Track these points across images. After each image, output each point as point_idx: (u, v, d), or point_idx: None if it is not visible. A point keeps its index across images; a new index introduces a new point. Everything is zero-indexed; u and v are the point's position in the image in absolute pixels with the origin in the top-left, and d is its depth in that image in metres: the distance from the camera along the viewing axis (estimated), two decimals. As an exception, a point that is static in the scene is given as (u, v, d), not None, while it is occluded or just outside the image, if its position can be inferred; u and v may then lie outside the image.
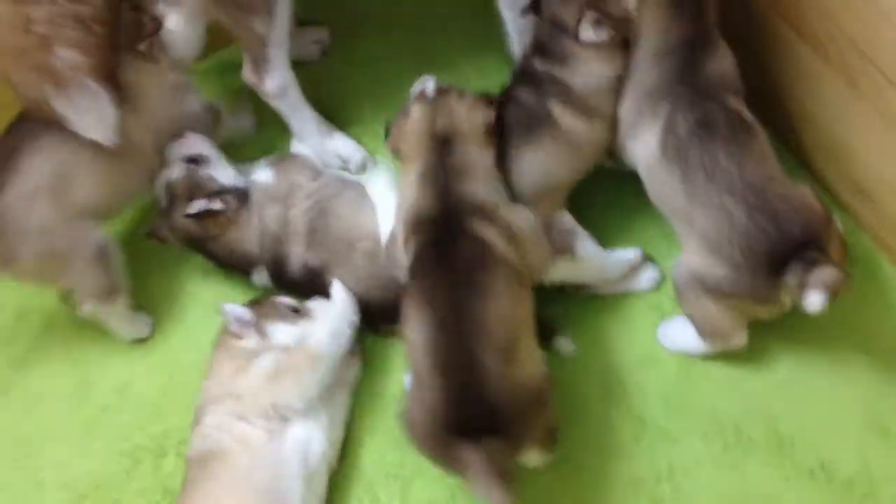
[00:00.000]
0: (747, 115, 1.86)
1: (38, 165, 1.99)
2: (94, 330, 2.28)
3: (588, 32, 1.88)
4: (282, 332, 1.96)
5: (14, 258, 2.01)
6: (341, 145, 2.35)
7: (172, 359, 2.22)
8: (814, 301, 1.63)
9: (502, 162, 1.89)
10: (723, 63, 1.88)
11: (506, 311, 1.69)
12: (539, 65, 1.95)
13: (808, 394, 1.92)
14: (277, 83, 2.24)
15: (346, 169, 2.35)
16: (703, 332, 1.91)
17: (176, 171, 2.11)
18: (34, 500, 2.07)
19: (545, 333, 1.93)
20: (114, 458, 2.10)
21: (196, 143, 2.15)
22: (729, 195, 1.75)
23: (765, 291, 1.75)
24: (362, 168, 2.36)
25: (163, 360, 2.22)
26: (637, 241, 2.14)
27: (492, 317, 1.66)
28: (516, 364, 1.65)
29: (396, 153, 1.94)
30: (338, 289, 2.01)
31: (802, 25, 1.94)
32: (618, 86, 1.94)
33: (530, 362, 1.69)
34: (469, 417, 1.60)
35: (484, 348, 1.63)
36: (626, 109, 1.94)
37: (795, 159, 2.19)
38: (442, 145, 1.85)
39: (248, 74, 2.24)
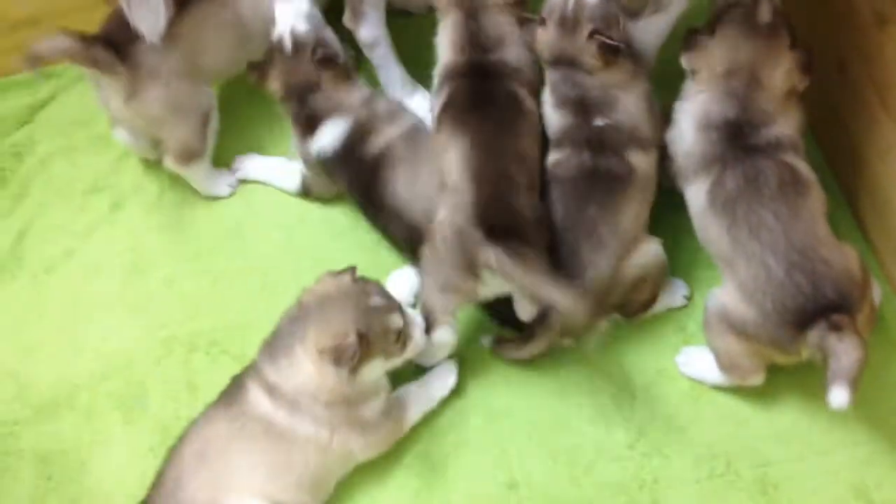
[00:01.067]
0: (803, 169, 1.89)
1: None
2: (158, 217, 2.44)
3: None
4: (372, 371, 1.87)
5: (139, 93, 2.23)
6: (420, 103, 2.42)
7: (221, 265, 2.35)
8: (839, 398, 1.66)
9: (583, 231, 1.98)
10: (782, 129, 1.91)
11: (531, 154, 2.02)
12: (599, 121, 2.02)
13: (804, 446, 1.96)
14: (369, 35, 2.36)
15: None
16: (721, 365, 1.97)
17: (304, 24, 2.21)
18: (69, 363, 2.24)
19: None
20: (149, 343, 2.25)
21: (311, 8, 2.25)
22: (771, 253, 1.80)
23: (786, 342, 1.80)
24: None
25: (212, 264, 2.36)
26: (679, 265, 2.19)
27: (524, 148, 2.00)
28: (531, 194, 1.97)
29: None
30: (451, 369, 2.07)
31: (889, 99, 1.96)
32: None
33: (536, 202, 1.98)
34: (497, 219, 1.87)
35: (517, 169, 1.95)
36: (683, 157, 1.99)
37: (853, 219, 2.21)
38: (469, 15, 2.09)
39: (347, 20, 2.36)
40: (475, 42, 2.09)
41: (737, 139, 1.91)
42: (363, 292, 1.83)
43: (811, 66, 1.92)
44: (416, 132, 2.21)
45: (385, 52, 2.40)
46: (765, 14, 1.94)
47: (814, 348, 1.75)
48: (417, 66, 2.43)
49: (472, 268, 1.89)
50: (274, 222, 2.39)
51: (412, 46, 2.43)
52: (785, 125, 1.92)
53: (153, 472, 1.95)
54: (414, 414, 2.01)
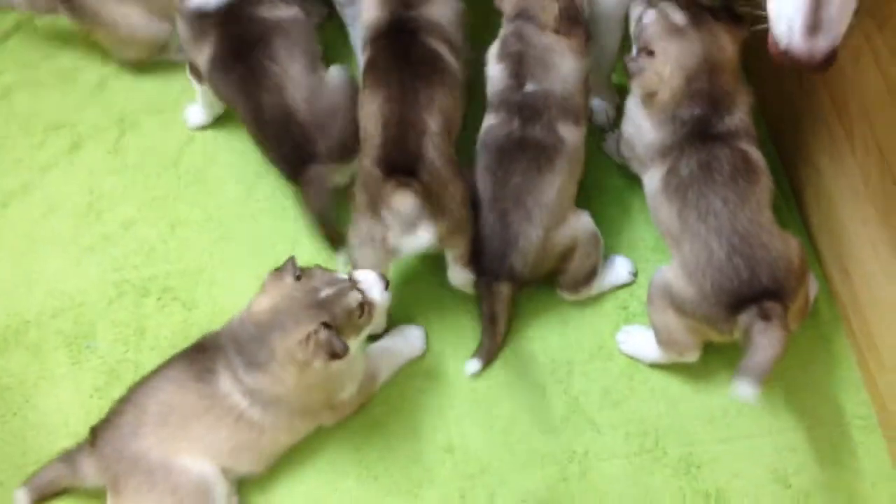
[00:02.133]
0: (755, 157, 1.96)
1: None
2: (118, 159, 2.45)
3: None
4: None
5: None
6: None
7: (178, 213, 2.37)
8: (743, 391, 1.73)
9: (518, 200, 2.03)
10: (738, 117, 1.98)
11: (446, 105, 2.03)
12: (530, 85, 2.07)
13: (730, 429, 2.03)
14: None
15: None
16: (660, 339, 2.04)
17: None
18: (22, 298, 2.27)
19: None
20: (102, 284, 2.27)
21: None
22: (716, 236, 1.87)
23: (720, 322, 1.88)
24: None
25: (169, 211, 2.37)
26: (629, 243, 2.26)
27: (437, 102, 2.01)
28: (446, 144, 2.00)
29: None
30: (418, 334, 2.13)
31: (843, 112, 2.01)
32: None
33: (451, 154, 2.02)
34: (400, 162, 1.92)
35: (430, 117, 1.98)
36: (643, 149, 2.05)
37: (799, 216, 2.28)
38: None
39: None
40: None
41: (701, 130, 1.96)
42: (310, 289, 1.79)
43: (741, 17, 1.99)
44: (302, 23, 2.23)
45: (356, 12, 2.41)
46: (677, 17, 1.99)
47: (743, 329, 1.83)
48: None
49: (375, 208, 1.93)
50: (234, 175, 2.41)
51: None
52: (742, 108, 1.98)
53: (97, 413, 1.99)
54: (382, 380, 2.07)
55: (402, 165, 1.92)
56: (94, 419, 2.00)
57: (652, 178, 2.02)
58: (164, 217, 2.35)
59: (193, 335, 2.10)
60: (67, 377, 2.16)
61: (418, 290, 2.20)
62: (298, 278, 1.81)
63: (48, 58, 2.60)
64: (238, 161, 2.42)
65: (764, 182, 1.95)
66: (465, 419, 2.07)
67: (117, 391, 2.05)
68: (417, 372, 2.11)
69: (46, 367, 2.17)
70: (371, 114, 2.01)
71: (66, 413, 2.11)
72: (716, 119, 1.96)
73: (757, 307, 1.80)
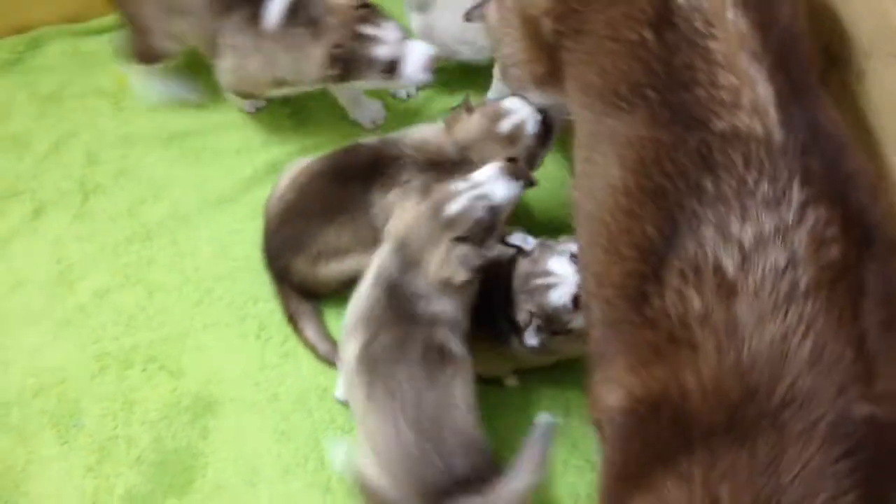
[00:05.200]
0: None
1: None
2: (83, 225, 2.37)
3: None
4: None
5: None
6: None
7: (154, 277, 2.31)
8: None
9: None
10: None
11: None
12: None
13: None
14: None
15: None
16: None
17: None
18: (-1, 379, 2.19)
19: None
20: (82, 358, 2.21)
21: None
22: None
23: None
24: None
25: (146, 275, 2.31)
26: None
27: None
28: None
29: None
30: None
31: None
32: None
33: None
34: None
35: None
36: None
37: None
38: None
39: None
40: None
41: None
42: None
43: None
44: None
45: None
46: None
47: None
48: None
49: None
50: (207, 234, 2.36)
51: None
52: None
53: (93, 493, 1.96)
54: None
55: None
56: (89, 500, 1.96)
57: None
58: (140, 283, 2.30)
59: (184, 405, 2.09)
60: (57, 459, 2.10)
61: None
62: None
63: (-4, 120, 2.50)
64: (209, 219, 2.37)
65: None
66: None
67: (110, 469, 2.03)
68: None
69: (33, 449, 2.11)
70: None
71: (61, 496, 2.06)
72: None
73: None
